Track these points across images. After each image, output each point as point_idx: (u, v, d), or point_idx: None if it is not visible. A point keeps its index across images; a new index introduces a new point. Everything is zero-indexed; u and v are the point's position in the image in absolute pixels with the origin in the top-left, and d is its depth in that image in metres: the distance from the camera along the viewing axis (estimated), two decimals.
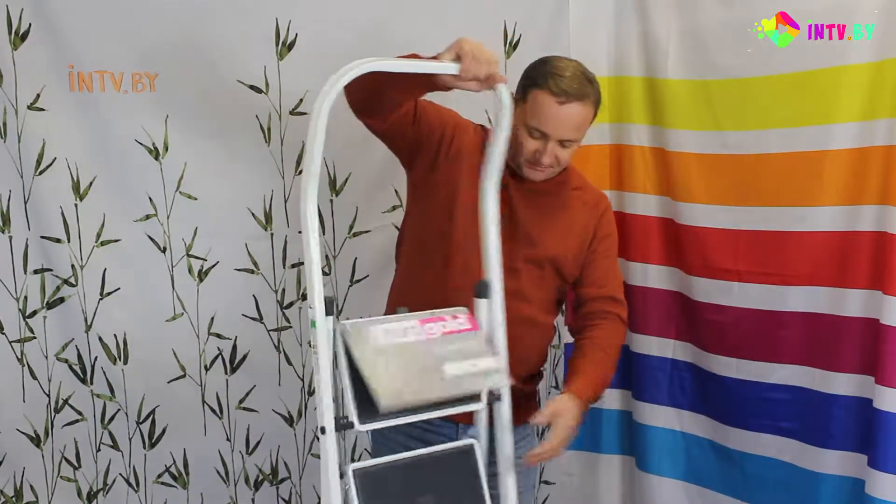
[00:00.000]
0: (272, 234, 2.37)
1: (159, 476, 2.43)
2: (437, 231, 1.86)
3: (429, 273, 1.88)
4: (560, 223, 1.90)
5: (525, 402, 1.88)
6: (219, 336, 2.37)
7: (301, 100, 2.28)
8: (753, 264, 2.33)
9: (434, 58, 1.56)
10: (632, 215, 2.58)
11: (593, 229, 1.92)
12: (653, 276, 2.55)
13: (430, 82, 1.56)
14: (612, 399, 2.72)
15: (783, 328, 2.29)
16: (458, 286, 1.78)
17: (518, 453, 1.82)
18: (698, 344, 2.50)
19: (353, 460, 2.57)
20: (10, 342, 2.26)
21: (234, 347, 2.39)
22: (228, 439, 2.44)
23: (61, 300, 2.26)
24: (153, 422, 2.38)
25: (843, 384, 2.20)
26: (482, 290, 1.64)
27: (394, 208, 2.43)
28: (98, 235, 2.25)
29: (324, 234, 2.40)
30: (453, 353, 1.48)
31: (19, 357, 2.27)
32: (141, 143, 2.23)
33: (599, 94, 1.81)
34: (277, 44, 2.25)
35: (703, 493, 2.56)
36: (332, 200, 2.37)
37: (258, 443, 2.46)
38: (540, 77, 1.76)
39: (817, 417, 2.26)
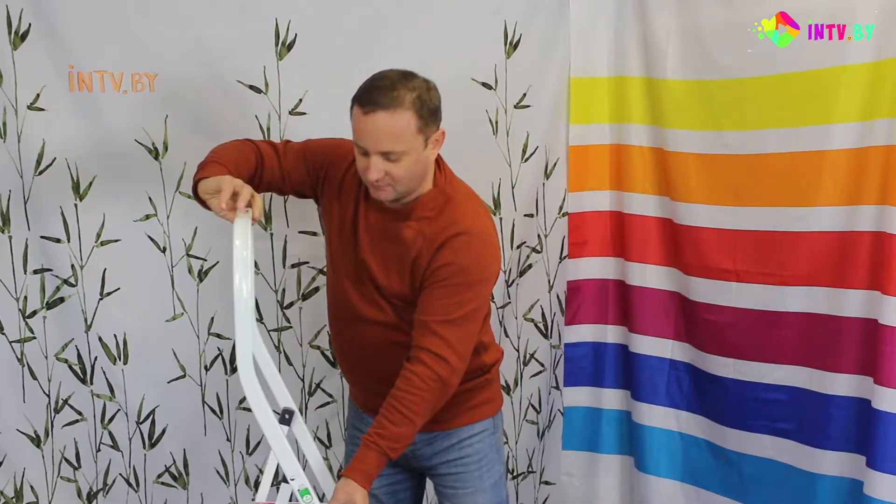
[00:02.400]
0: (272, 234, 2.36)
1: (159, 476, 2.43)
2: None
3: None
4: (395, 256, 1.75)
5: (461, 403, 1.85)
6: (219, 336, 2.37)
7: (300, 100, 2.28)
8: (752, 264, 2.33)
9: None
10: (630, 215, 2.58)
11: (427, 261, 1.71)
12: (651, 276, 2.56)
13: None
14: (612, 399, 2.72)
15: (781, 328, 2.30)
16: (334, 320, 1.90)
17: (465, 451, 1.88)
18: (696, 344, 2.50)
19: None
20: (10, 342, 2.25)
21: (235, 347, 2.38)
22: (228, 439, 2.45)
23: (61, 300, 2.26)
24: (153, 422, 2.38)
25: (841, 384, 2.21)
26: (284, 419, 1.78)
27: None
28: (98, 235, 2.25)
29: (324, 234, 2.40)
30: None
31: (19, 357, 2.27)
32: (141, 143, 2.22)
33: (425, 101, 1.65)
34: (277, 44, 2.24)
35: (701, 494, 2.56)
36: None
37: (258, 443, 2.46)
38: (357, 91, 1.67)
39: (815, 418, 2.26)
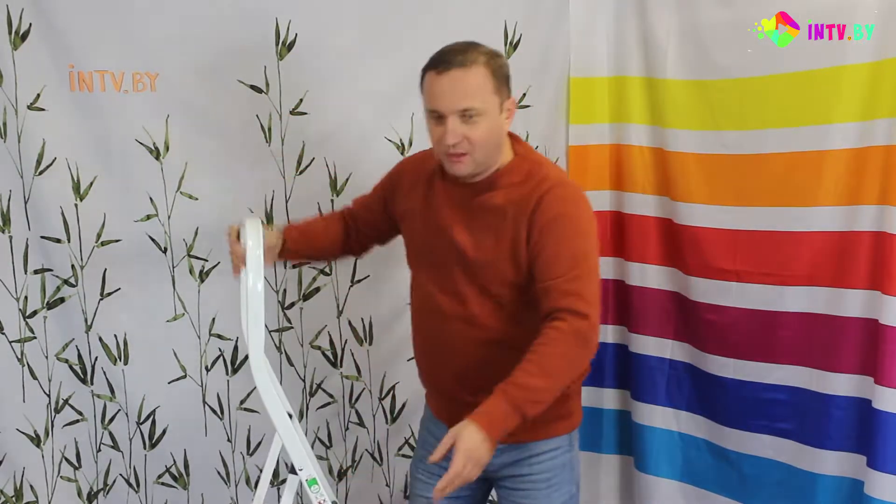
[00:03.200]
0: None
1: (160, 476, 2.42)
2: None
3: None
4: (486, 225, 1.71)
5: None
6: (220, 337, 2.37)
7: (301, 100, 2.28)
8: (752, 264, 2.33)
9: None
10: (630, 215, 2.58)
11: (527, 224, 1.67)
12: (651, 276, 2.56)
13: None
14: (611, 399, 2.72)
15: (781, 328, 2.30)
16: (418, 313, 1.88)
17: (535, 469, 1.80)
18: (696, 344, 2.50)
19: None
20: (10, 342, 2.26)
21: (236, 348, 2.39)
22: (229, 440, 2.45)
23: (61, 300, 2.26)
24: (153, 422, 2.38)
25: (841, 384, 2.21)
26: None
27: None
28: (98, 235, 2.25)
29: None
30: None
31: (19, 357, 2.27)
32: (141, 143, 2.22)
33: (496, 62, 1.67)
34: (277, 44, 2.25)
35: (700, 494, 2.56)
36: (332, 200, 2.37)
37: (259, 443, 2.46)
38: (427, 63, 1.67)
39: (815, 418, 2.26)
